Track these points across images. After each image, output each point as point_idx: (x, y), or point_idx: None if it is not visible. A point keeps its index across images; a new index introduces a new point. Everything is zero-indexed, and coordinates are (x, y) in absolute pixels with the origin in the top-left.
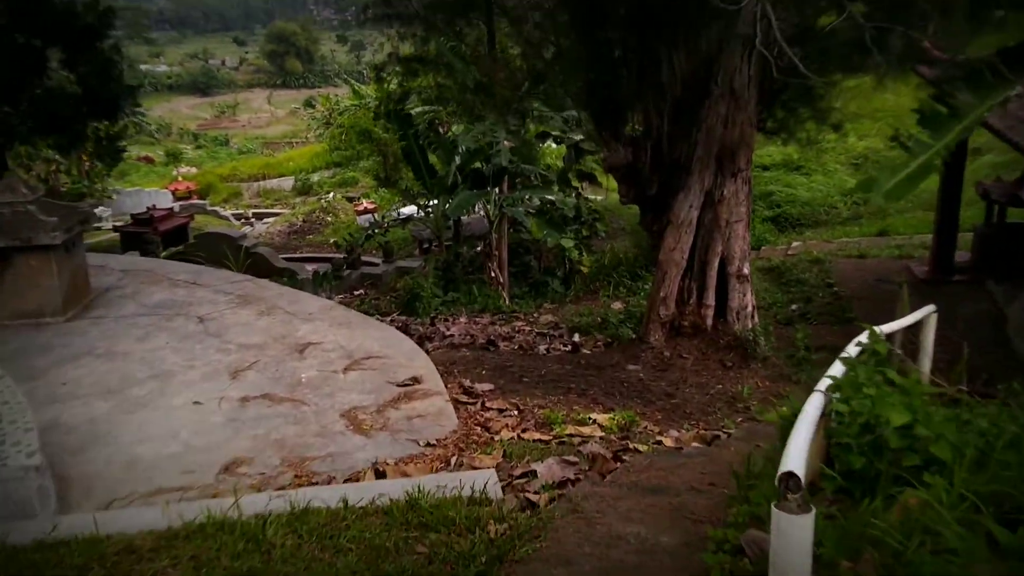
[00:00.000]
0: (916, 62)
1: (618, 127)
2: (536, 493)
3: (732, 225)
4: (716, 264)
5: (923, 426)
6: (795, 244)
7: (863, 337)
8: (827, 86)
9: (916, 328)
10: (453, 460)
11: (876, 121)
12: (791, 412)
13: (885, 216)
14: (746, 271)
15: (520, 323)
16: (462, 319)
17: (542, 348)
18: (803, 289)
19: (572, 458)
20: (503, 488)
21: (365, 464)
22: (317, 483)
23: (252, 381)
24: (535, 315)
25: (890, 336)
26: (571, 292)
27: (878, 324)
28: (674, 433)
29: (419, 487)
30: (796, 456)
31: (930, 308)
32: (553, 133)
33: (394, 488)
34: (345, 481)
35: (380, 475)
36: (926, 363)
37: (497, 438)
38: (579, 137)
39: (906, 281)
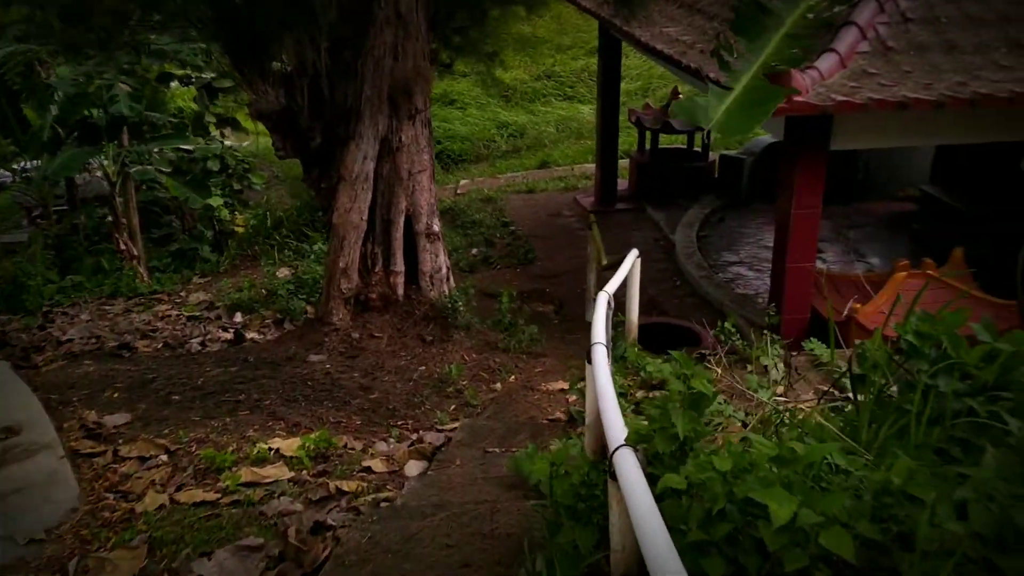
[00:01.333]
0: None
1: (263, 63)
2: None
3: (415, 176)
4: (402, 223)
5: (810, 509)
6: (463, 182)
7: (602, 300)
8: (503, 8)
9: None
10: (73, 567)
11: (518, 52)
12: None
13: (543, 147)
14: (436, 228)
15: (164, 307)
16: (84, 314)
17: (195, 342)
18: (481, 231)
19: (254, 541)
20: None
21: None
22: None
23: None
24: (183, 294)
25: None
26: (225, 260)
27: (557, 261)
28: (383, 447)
29: None
30: None
31: (634, 254)
32: (177, 73)
33: None
34: None
35: None
36: (634, 309)
37: (140, 508)
38: (211, 75)
39: (595, 220)
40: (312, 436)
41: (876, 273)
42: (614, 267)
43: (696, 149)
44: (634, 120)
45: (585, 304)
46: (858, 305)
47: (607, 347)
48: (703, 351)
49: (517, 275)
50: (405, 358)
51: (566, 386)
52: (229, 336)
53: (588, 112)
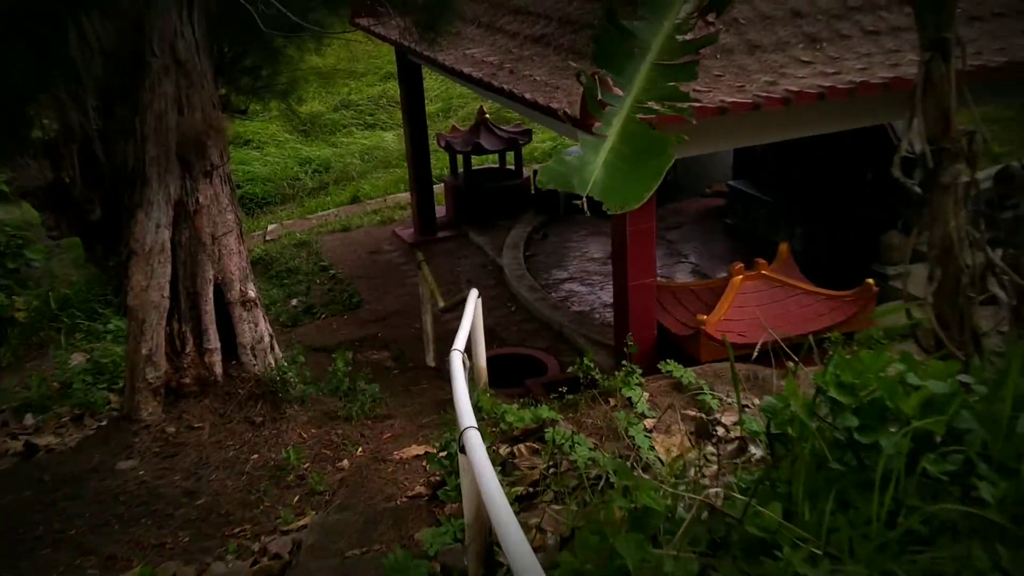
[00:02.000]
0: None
1: (18, 132)
2: None
3: (221, 239)
4: (211, 293)
5: None
6: (271, 227)
7: (457, 365)
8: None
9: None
10: None
11: (311, 85)
12: None
13: (351, 180)
14: (252, 293)
15: None
16: None
17: None
18: (298, 279)
19: None
20: None
21: None
22: None
23: None
24: None
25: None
26: (6, 353)
27: (386, 302)
28: (220, 570)
29: None
30: None
31: (474, 294)
32: None
33: None
34: None
35: None
36: (482, 355)
37: None
38: None
39: (423, 259)
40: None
41: (714, 280)
42: (452, 309)
43: (509, 167)
44: (443, 144)
45: (424, 348)
46: (704, 316)
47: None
48: (552, 381)
49: (344, 323)
50: (233, 448)
51: (421, 451)
52: (19, 447)
53: (392, 139)
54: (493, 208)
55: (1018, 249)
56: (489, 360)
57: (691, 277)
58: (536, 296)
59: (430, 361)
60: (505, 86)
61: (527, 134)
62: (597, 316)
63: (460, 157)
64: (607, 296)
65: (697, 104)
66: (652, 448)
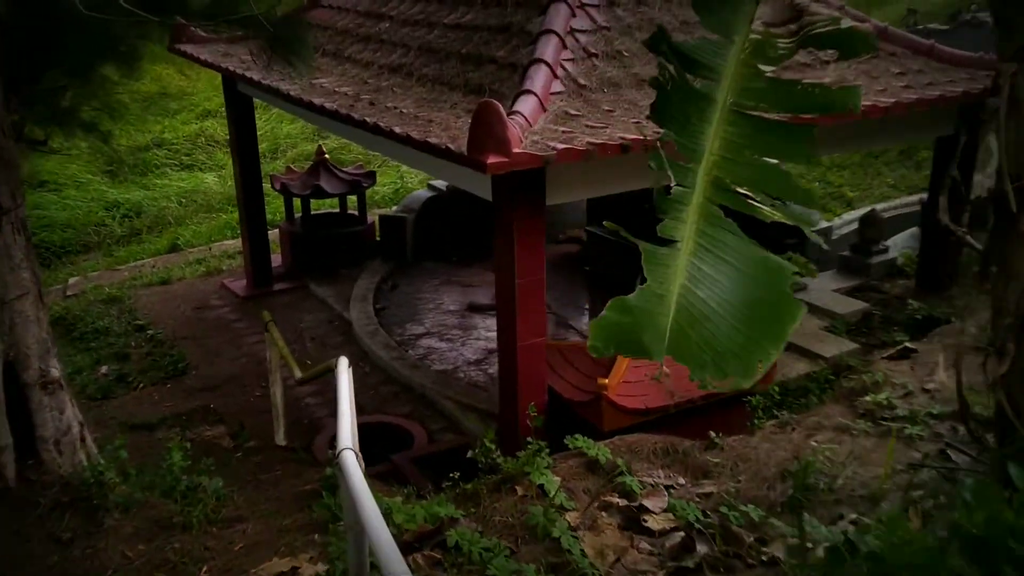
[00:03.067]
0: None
1: None
2: None
3: (13, 305)
4: None
5: None
6: (73, 281)
7: (353, 471)
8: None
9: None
10: None
11: (123, 116)
12: None
13: (167, 225)
14: (56, 372)
15: None
16: None
17: None
18: (109, 341)
19: None
20: None
21: None
22: None
23: None
24: None
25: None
26: None
27: (219, 366)
28: None
29: None
30: None
31: (344, 364)
32: None
33: None
34: None
35: None
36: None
37: None
38: None
39: (271, 319)
40: None
41: None
42: (310, 380)
43: (352, 212)
44: (279, 187)
45: (273, 423)
46: (605, 380)
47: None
48: (423, 455)
49: (168, 392)
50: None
51: (286, 566)
52: None
53: (214, 181)
54: (335, 256)
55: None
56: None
57: (555, 330)
58: (393, 355)
59: (280, 439)
60: (368, 119)
61: (370, 176)
62: (462, 375)
63: (297, 201)
64: (470, 352)
65: (598, 142)
66: (583, 553)
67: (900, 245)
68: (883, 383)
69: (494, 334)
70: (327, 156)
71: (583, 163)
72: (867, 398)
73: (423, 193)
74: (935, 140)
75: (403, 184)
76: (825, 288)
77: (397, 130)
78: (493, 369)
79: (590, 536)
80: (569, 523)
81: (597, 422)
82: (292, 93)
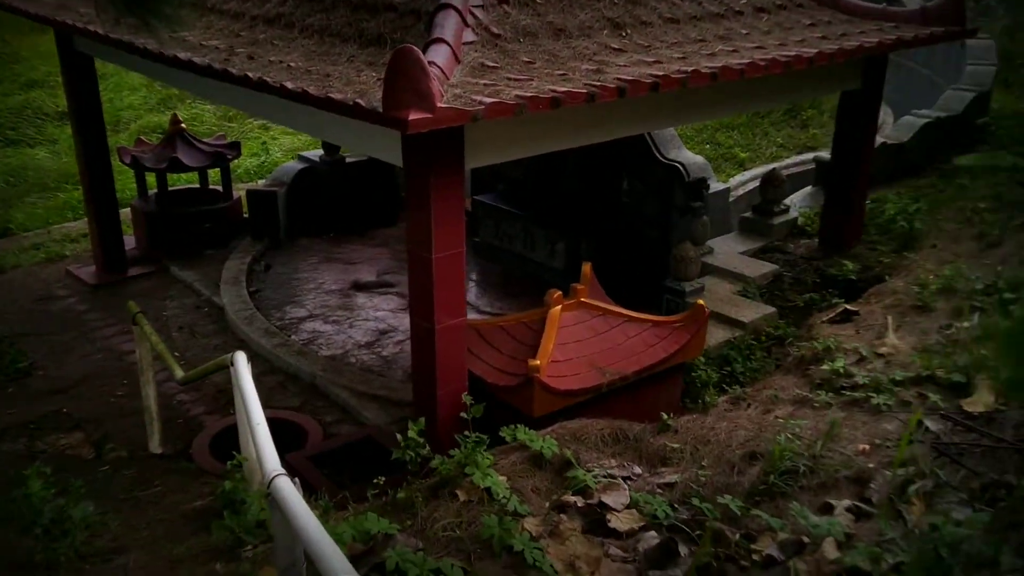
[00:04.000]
0: None
1: None
2: None
3: None
4: None
5: None
6: None
7: (293, 499)
8: None
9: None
10: None
11: None
12: None
13: None
14: None
15: None
16: None
17: None
18: None
19: None
20: None
21: None
22: None
23: None
24: None
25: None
26: None
27: (69, 365)
28: None
29: None
30: None
31: (241, 358)
32: None
33: None
34: None
35: None
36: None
37: None
38: None
39: (139, 311)
40: None
41: (525, 313)
42: (194, 380)
43: (215, 187)
44: (129, 161)
45: (147, 429)
46: (537, 361)
47: None
48: (320, 452)
49: (8, 398)
50: None
51: None
52: None
53: (47, 157)
54: (198, 236)
55: None
56: (226, 432)
57: None
58: (274, 342)
59: (155, 447)
60: (250, 74)
61: (235, 147)
62: (353, 360)
63: (151, 177)
64: (359, 334)
65: (528, 95)
66: (552, 567)
67: (797, 204)
68: (835, 349)
69: (383, 313)
70: (184, 125)
71: (505, 121)
72: (823, 367)
73: (294, 165)
74: (840, 95)
75: (268, 157)
76: (731, 251)
77: (290, 86)
78: (388, 351)
79: (555, 545)
80: (530, 532)
81: (525, 408)
82: (148, 47)
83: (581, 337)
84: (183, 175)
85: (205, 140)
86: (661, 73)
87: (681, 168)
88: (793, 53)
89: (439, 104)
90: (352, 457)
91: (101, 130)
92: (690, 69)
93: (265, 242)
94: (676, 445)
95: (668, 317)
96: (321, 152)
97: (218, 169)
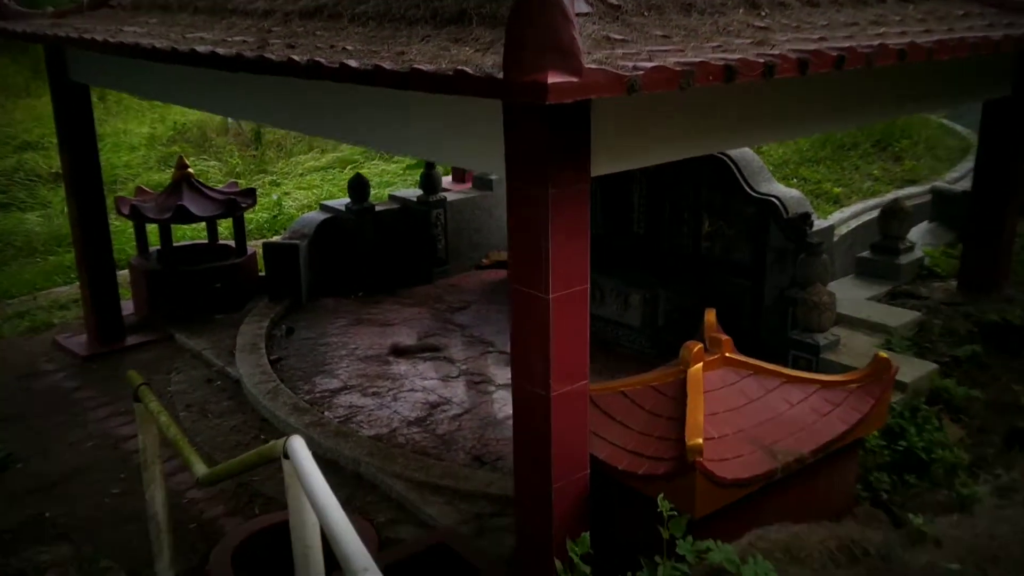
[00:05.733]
0: None
1: None
2: None
3: None
4: None
5: None
6: None
7: None
8: None
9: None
10: None
11: None
12: None
13: None
14: None
15: None
16: None
17: None
18: None
19: None
20: None
21: None
22: None
23: None
24: None
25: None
26: None
27: (57, 456)
28: None
29: None
30: None
31: (295, 442)
32: None
33: None
34: None
35: None
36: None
37: None
38: None
39: (143, 382)
40: None
41: (651, 374)
42: (226, 478)
43: (226, 242)
44: (127, 211)
45: (153, 544)
46: (698, 440)
47: None
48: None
49: None
50: None
51: None
52: None
53: (37, 221)
54: (208, 297)
55: None
56: (252, 540)
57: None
58: (306, 420)
59: (165, 569)
60: (297, 57)
61: (249, 194)
62: (403, 439)
63: (153, 231)
64: (406, 409)
65: (692, 62)
66: None
67: (917, 242)
68: None
69: (431, 383)
70: (191, 171)
71: (635, 111)
72: None
73: (316, 215)
74: (983, 106)
75: (281, 210)
76: (856, 297)
77: (354, 64)
78: (442, 428)
79: None
80: None
81: (682, 504)
82: (158, 46)
83: (733, 405)
84: (189, 230)
85: (215, 188)
86: (845, 45)
87: (777, 203)
88: (980, 33)
89: (587, 65)
90: (422, 571)
91: (97, 181)
92: (876, 43)
93: (285, 303)
94: (952, 566)
95: (839, 377)
96: (347, 200)
97: (230, 221)
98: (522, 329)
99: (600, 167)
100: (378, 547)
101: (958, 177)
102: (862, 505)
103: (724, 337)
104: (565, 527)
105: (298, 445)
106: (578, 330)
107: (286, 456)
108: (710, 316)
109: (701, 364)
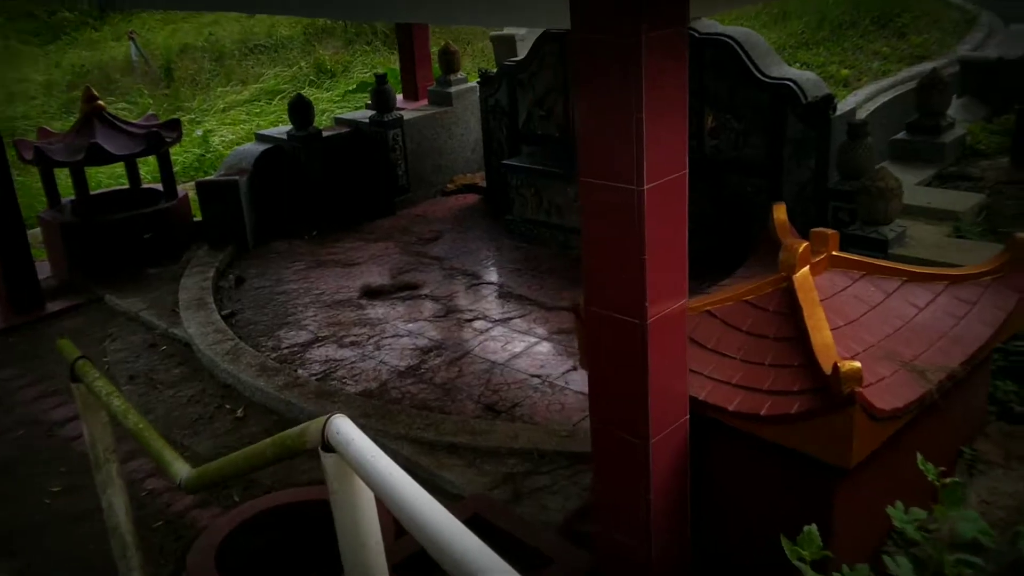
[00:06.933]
0: None
1: None
2: None
3: None
4: None
5: None
6: None
7: None
8: None
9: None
10: None
11: None
12: None
13: None
14: None
15: None
16: None
17: None
18: None
19: None
20: None
21: None
22: None
23: None
24: None
25: None
26: None
27: None
28: None
29: None
30: None
31: (340, 421)
32: None
33: None
34: None
35: None
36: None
37: None
38: None
39: (81, 355)
40: None
41: (738, 286)
42: (222, 485)
43: (151, 186)
44: (31, 156)
45: (117, 564)
46: (855, 363)
47: None
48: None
49: None
50: None
51: None
52: None
53: None
54: (136, 250)
55: None
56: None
57: (504, 307)
58: (278, 382)
59: None
60: None
61: (174, 127)
62: (397, 393)
63: (64, 178)
64: (394, 357)
65: None
66: None
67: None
68: None
69: (417, 325)
70: (102, 103)
71: None
72: None
73: (254, 147)
74: None
75: (208, 147)
76: (905, 183)
77: None
78: (441, 376)
79: None
80: None
81: (826, 452)
82: None
83: (851, 315)
84: (105, 176)
85: (132, 122)
86: None
87: (795, 87)
88: None
89: None
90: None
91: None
92: None
93: (229, 250)
94: None
95: (967, 269)
96: (288, 128)
97: (153, 161)
98: (596, 234)
99: (700, 6)
100: (395, 533)
101: (971, 48)
102: (992, 423)
103: (830, 232)
104: (665, 493)
105: (346, 427)
106: (675, 233)
107: (327, 447)
108: (779, 212)
109: (808, 267)
